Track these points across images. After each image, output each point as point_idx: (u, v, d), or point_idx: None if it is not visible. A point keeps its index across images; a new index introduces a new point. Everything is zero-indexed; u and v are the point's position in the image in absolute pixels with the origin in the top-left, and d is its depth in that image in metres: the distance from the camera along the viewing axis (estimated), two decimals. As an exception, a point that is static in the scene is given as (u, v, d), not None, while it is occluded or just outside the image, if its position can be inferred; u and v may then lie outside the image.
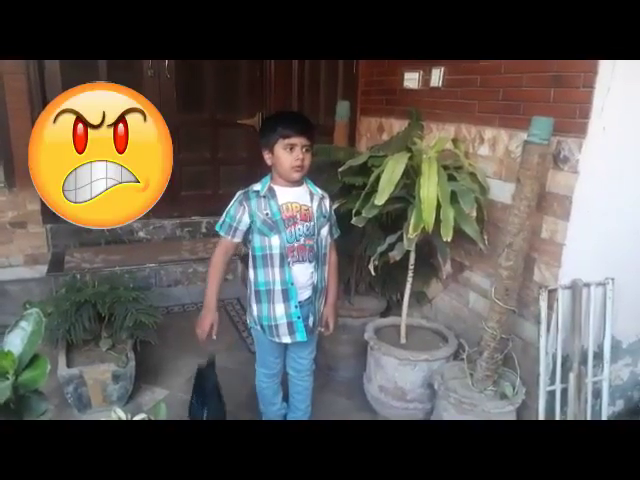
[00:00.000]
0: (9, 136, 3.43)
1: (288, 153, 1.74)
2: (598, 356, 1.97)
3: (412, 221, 1.90)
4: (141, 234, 3.95)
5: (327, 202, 1.90)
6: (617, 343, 2.06)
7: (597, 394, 2.00)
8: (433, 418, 1.98)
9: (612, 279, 1.91)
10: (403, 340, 2.25)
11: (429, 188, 1.87)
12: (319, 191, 1.88)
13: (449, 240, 1.84)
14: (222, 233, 1.84)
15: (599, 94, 1.70)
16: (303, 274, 1.85)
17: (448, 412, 1.88)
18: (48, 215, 3.65)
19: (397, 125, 2.71)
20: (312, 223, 1.82)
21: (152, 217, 3.97)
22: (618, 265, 1.94)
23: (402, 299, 2.31)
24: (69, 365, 2.23)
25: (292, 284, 1.82)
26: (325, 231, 1.89)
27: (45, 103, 3.51)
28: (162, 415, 1.32)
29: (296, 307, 1.84)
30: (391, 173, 1.91)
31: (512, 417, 1.86)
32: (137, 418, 1.31)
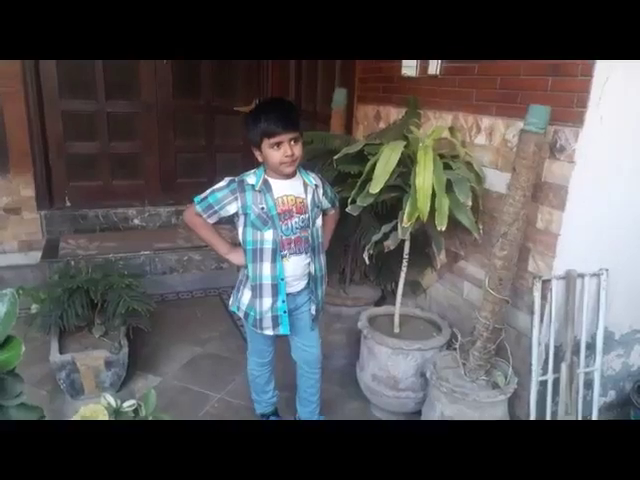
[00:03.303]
0: (3, 121, 3.40)
1: (276, 150, 1.71)
2: (591, 347, 1.97)
3: (407, 210, 1.89)
4: (136, 221, 3.93)
5: (320, 190, 1.88)
6: (610, 334, 2.06)
7: (589, 385, 2.01)
8: (425, 407, 1.98)
9: (606, 270, 1.90)
10: (397, 329, 2.25)
11: (424, 177, 1.85)
12: (312, 181, 1.85)
13: (443, 229, 1.83)
14: (198, 208, 1.79)
15: (597, 83, 1.68)
16: (300, 266, 1.85)
17: (440, 401, 1.88)
18: (42, 201, 3.65)
19: (394, 113, 2.68)
20: (307, 215, 1.82)
21: (147, 204, 3.97)
22: (612, 256, 1.93)
23: (397, 288, 2.31)
24: (62, 351, 2.22)
25: (282, 279, 1.81)
26: (319, 221, 1.89)
27: (39, 86, 3.49)
28: (152, 402, 1.31)
29: (283, 302, 1.84)
30: (386, 161, 1.89)
31: (504, 406, 1.86)
32: (127, 404, 1.30)
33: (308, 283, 1.90)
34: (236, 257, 1.86)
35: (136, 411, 1.31)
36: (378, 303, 2.60)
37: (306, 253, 1.85)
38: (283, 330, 1.88)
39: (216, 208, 1.78)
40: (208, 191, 1.80)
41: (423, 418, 1.98)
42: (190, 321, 3.10)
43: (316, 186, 1.86)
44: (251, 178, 1.78)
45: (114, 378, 2.31)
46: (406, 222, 1.89)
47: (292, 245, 1.81)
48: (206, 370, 2.59)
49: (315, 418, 2.12)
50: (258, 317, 1.86)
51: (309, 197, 1.82)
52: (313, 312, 1.93)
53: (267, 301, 1.84)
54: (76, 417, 1.13)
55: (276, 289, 1.82)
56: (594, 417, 1.97)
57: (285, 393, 2.29)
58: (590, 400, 1.99)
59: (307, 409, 2.12)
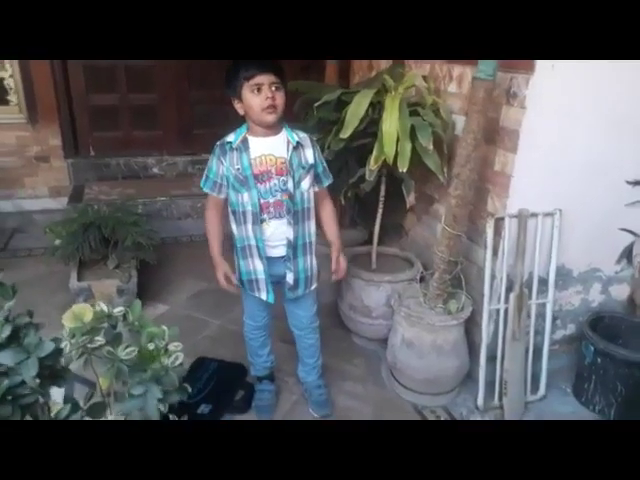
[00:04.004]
0: (31, 76, 3.69)
1: (256, 95, 1.65)
2: (546, 282, 2.14)
3: (374, 153, 2.07)
4: (155, 170, 4.22)
5: (309, 150, 1.79)
6: (568, 271, 2.22)
7: (545, 316, 2.19)
8: (391, 332, 2.22)
9: (560, 210, 2.05)
10: (374, 266, 2.46)
11: (390, 123, 2.02)
12: (294, 137, 1.76)
13: (404, 171, 2.01)
14: (207, 190, 1.80)
15: (547, 31, 1.78)
16: (280, 231, 1.80)
17: (401, 325, 2.12)
18: (69, 150, 3.97)
19: (384, 63, 2.81)
20: (289, 177, 1.75)
21: (165, 154, 4.24)
22: (568, 197, 2.06)
23: (380, 230, 2.51)
24: (79, 280, 2.55)
25: (262, 243, 1.79)
26: (307, 183, 1.80)
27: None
28: (137, 309, 1.58)
29: (264, 266, 1.82)
30: (356, 108, 2.06)
31: (457, 331, 2.07)
32: (117, 310, 1.57)
33: (287, 250, 1.82)
34: (218, 271, 1.84)
35: (125, 316, 1.59)
36: (363, 245, 2.81)
37: (287, 215, 1.78)
38: (268, 298, 1.87)
39: (218, 181, 1.77)
40: (206, 170, 1.80)
41: (389, 342, 2.22)
42: (199, 260, 3.35)
43: (299, 144, 1.76)
44: (230, 136, 1.76)
45: (125, 305, 2.62)
46: (372, 165, 2.07)
47: (271, 209, 1.76)
48: (209, 301, 2.89)
49: (312, 379, 2.13)
50: (253, 277, 1.86)
51: (292, 157, 1.75)
52: (290, 281, 1.86)
53: (250, 262, 1.84)
54: (67, 313, 1.41)
55: (259, 252, 1.81)
56: (545, 346, 2.16)
57: (288, 345, 2.34)
58: (542, 330, 2.18)
59: (305, 368, 2.14)
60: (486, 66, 1.78)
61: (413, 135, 2.03)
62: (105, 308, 1.60)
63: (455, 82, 2.25)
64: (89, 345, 1.46)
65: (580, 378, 2.18)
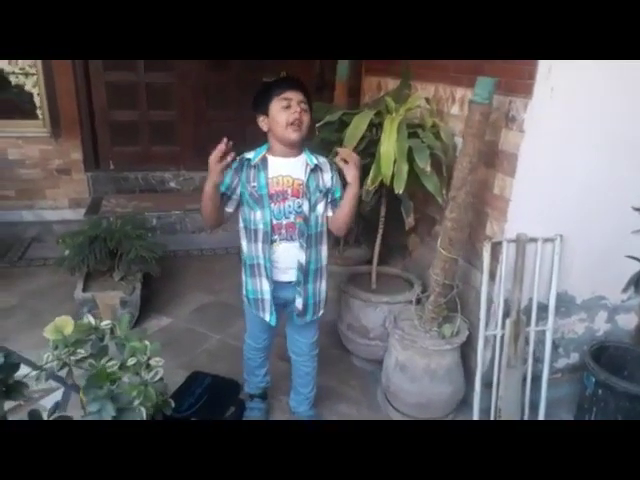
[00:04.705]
0: (55, 92, 3.83)
1: (284, 110, 1.67)
2: (547, 308, 2.09)
3: (371, 174, 2.07)
4: (172, 184, 4.30)
5: (327, 175, 1.77)
6: (571, 298, 2.16)
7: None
8: (386, 354, 2.19)
9: (560, 235, 2.00)
10: (373, 286, 2.45)
11: (388, 144, 2.02)
12: (313, 160, 1.75)
13: (401, 192, 2.00)
14: None
15: (545, 55, 1.76)
16: (290, 254, 1.76)
17: (395, 348, 2.09)
18: (89, 164, 4.09)
19: (392, 84, 2.82)
20: (305, 199, 1.72)
21: (182, 169, 4.33)
22: (570, 222, 2.02)
23: (385, 250, 2.50)
24: (85, 290, 2.61)
25: (270, 264, 1.75)
26: (322, 207, 1.78)
27: (86, 60, 3.88)
28: (125, 323, 1.61)
29: (271, 287, 1.78)
30: (354, 129, 2.08)
31: (451, 356, 2.03)
32: (104, 323, 1.60)
33: (297, 274, 1.78)
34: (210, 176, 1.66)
35: (112, 330, 1.62)
36: (366, 264, 2.79)
37: (300, 238, 1.75)
38: (271, 320, 1.83)
39: (228, 194, 1.74)
40: None
41: (383, 364, 2.19)
42: (208, 274, 3.44)
43: (317, 167, 1.75)
44: (250, 153, 1.75)
45: (128, 316, 2.63)
46: (370, 185, 2.07)
47: (282, 230, 1.74)
48: (212, 315, 2.92)
49: (303, 410, 2.09)
50: (260, 297, 1.82)
51: (310, 180, 1.73)
52: (299, 307, 1.82)
53: (258, 281, 1.80)
54: (50, 326, 1.44)
55: (266, 272, 1.76)
56: (544, 374, 2.10)
57: (286, 364, 2.24)
58: (542, 357, 2.12)
59: (297, 398, 2.11)
60: (481, 89, 1.78)
61: (411, 157, 2.03)
62: (93, 321, 1.63)
63: (457, 104, 2.24)
64: (72, 357, 1.49)
65: (581, 409, 2.10)
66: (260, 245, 1.75)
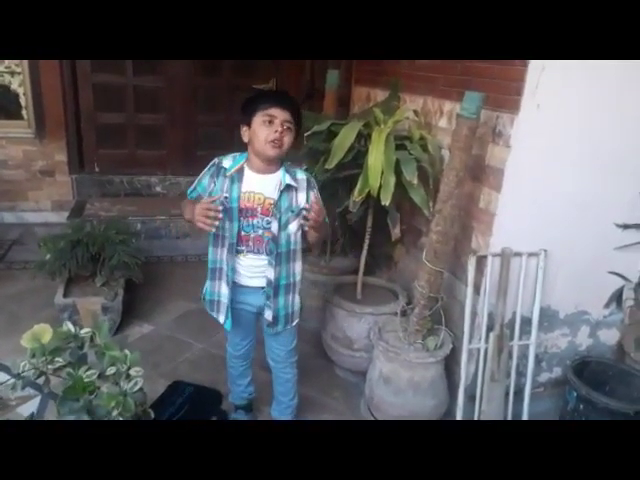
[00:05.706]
0: (41, 92, 3.78)
1: (266, 126, 1.63)
2: (530, 322, 2.10)
3: (358, 185, 2.07)
4: (158, 189, 4.27)
5: (302, 194, 1.73)
6: (554, 313, 2.17)
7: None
8: (370, 365, 2.18)
9: (545, 250, 2.01)
10: (359, 296, 2.44)
11: (375, 156, 2.02)
12: (287, 180, 1.70)
13: (387, 203, 2.00)
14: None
15: (533, 72, 1.78)
16: (254, 266, 1.76)
17: (379, 359, 2.08)
18: (74, 166, 4.04)
19: (380, 95, 2.83)
20: (274, 218, 1.70)
21: (169, 174, 4.29)
22: (555, 238, 2.03)
23: (371, 260, 2.49)
24: (65, 296, 2.56)
25: (232, 270, 1.75)
26: (295, 226, 1.74)
27: (74, 60, 3.83)
28: (104, 331, 1.57)
29: (229, 291, 1.78)
30: (342, 140, 2.07)
31: (435, 369, 2.03)
32: (84, 331, 1.57)
33: (267, 289, 1.77)
34: (193, 210, 1.65)
35: (92, 338, 1.58)
36: (352, 274, 2.79)
37: (267, 255, 1.74)
38: (225, 323, 1.81)
39: (204, 195, 1.72)
40: (196, 180, 1.77)
41: (367, 376, 2.18)
42: (192, 281, 3.37)
43: (290, 187, 1.71)
44: (228, 161, 1.73)
45: (110, 323, 2.63)
46: (356, 196, 2.06)
47: (250, 243, 1.74)
48: (195, 323, 2.88)
49: (285, 419, 2.06)
50: (216, 299, 1.82)
51: (283, 199, 1.70)
52: (269, 318, 1.80)
53: (217, 284, 1.80)
54: (27, 334, 1.41)
55: (227, 279, 1.76)
56: (527, 389, 2.11)
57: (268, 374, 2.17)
58: (524, 370, 2.12)
59: (279, 407, 2.08)
60: (469, 104, 1.78)
61: (398, 169, 2.03)
62: (72, 328, 1.60)
63: (445, 117, 2.25)
64: (50, 366, 1.46)
65: (562, 424, 2.11)
66: (225, 253, 1.75)
